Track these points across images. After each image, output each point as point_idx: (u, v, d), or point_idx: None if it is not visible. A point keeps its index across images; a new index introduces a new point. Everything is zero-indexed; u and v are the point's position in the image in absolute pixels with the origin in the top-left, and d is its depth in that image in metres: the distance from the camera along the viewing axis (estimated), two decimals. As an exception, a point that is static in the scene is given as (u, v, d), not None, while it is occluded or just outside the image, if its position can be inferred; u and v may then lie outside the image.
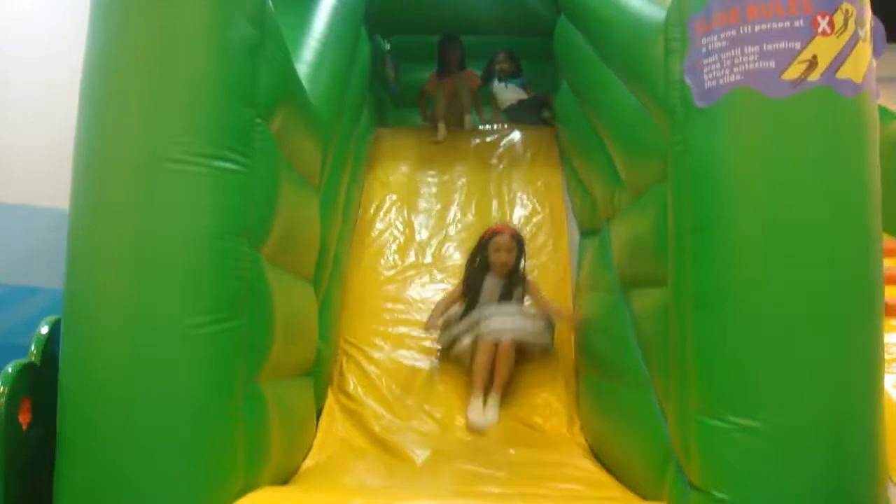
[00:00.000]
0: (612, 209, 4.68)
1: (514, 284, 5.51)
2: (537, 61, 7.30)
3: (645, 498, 3.55)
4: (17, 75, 5.16)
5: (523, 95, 7.19)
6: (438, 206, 6.43)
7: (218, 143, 3.07)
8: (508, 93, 7.22)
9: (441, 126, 6.91)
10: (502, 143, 6.97)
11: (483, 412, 5.01)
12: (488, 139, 7.05)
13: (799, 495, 2.79)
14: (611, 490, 3.92)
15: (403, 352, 5.47)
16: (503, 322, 5.25)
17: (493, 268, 5.49)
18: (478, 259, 5.60)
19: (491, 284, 5.49)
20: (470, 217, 6.34)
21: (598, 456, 4.60)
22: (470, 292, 5.51)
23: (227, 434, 3.10)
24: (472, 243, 6.02)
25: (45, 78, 5.14)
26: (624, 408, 4.10)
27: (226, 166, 3.08)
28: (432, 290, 5.83)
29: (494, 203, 6.45)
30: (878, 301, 2.89)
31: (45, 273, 4.58)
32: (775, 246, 2.81)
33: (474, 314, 5.38)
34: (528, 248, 5.88)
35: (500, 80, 7.29)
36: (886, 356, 3.00)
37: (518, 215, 6.36)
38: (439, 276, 5.93)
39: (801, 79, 2.81)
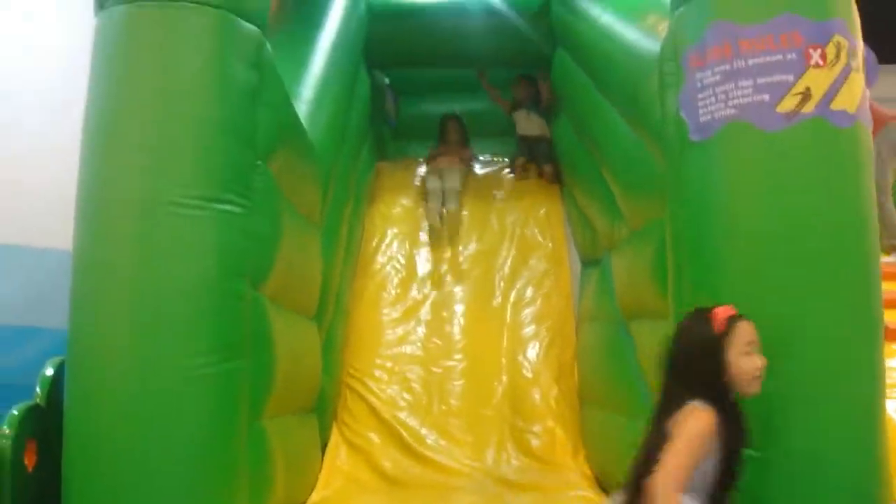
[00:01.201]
0: (612, 240, 4.69)
1: None
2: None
3: (651, 529, 3.54)
4: (24, 118, 5.17)
5: (546, 132, 7.02)
6: (440, 238, 6.43)
7: (218, 186, 3.10)
8: (530, 122, 7.07)
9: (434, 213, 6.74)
10: (503, 174, 6.98)
11: None
12: (489, 170, 7.06)
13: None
14: (617, 521, 3.92)
15: (407, 385, 5.46)
16: None
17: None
18: None
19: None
20: (472, 248, 6.34)
21: (603, 485, 4.60)
22: None
23: (231, 473, 3.11)
24: (474, 275, 6.06)
25: (51, 120, 5.15)
26: (626, 437, 4.09)
27: (226, 208, 3.11)
28: (434, 322, 5.83)
29: (496, 233, 6.44)
30: (878, 325, 2.91)
31: (49, 314, 4.58)
32: (774, 278, 2.83)
33: None
34: (532, 279, 5.91)
35: (522, 107, 7.12)
36: (888, 381, 3.01)
37: (519, 246, 6.36)
38: (441, 309, 5.92)
39: (796, 111, 2.84)
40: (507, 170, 7.01)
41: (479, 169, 7.09)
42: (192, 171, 3.05)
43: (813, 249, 2.83)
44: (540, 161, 6.83)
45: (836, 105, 2.86)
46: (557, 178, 6.67)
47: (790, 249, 2.82)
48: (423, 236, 6.43)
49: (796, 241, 2.82)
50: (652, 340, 3.62)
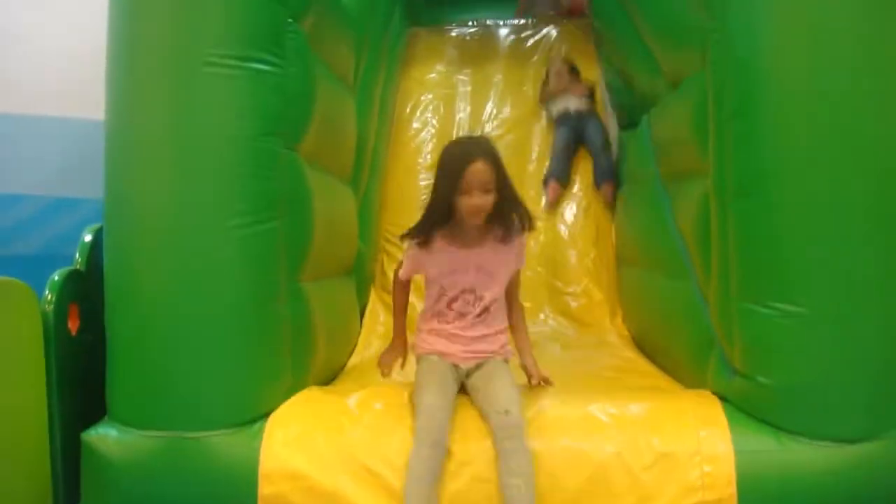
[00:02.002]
0: (651, 101, 4.61)
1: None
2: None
3: (688, 386, 3.57)
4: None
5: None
6: (475, 104, 6.36)
7: (251, 45, 3.05)
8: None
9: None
10: (537, 38, 6.85)
11: None
12: (523, 35, 6.94)
13: (842, 380, 2.80)
14: (654, 379, 3.95)
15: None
16: None
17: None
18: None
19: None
20: (506, 112, 6.27)
21: (641, 346, 4.62)
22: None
23: (273, 334, 3.14)
24: (509, 139, 6.01)
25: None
26: (666, 297, 4.11)
27: (258, 67, 3.06)
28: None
29: (531, 98, 6.36)
30: None
31: (87, 184, 4.60)
32: (821, 128, 2.77)
33: None
34: None
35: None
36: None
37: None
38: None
39: (845, -42, 2.74)
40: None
41: (512, 33, 6.96)
42: (224, 29, 2.99)
43: (861, 96, 2.75)
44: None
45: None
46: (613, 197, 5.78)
47: (837, 97, 2.75)
48: (459, 101, 6.37)
49: (843, 88, 2.75)
50: (691, 198, 3.60)
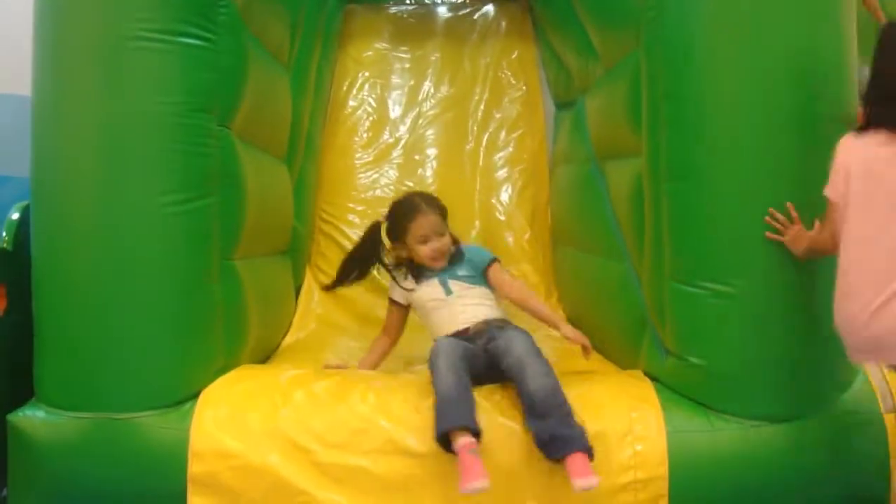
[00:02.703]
0: (587, 81, 4.62)
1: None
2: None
3: (621, 366, 3.60)
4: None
5: None
6: (412, 82, 6.32)
7: (180, 19, 3.00)
8: None
9: None
10: (475, 17, 6.84)
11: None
12: (461, 13, 6.92)
13: (774, 360, 2.85)
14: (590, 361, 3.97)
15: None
16: None
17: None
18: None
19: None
20: (444, 91, 6.25)
21: (575, 326, 4.64)
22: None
23: (205, 312, 3.12)
24: (446, 118, 5.99)
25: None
26: (600, 277, 4.13)
27: (189, 42, 3.02)
28: (406, 166, 5.80)
29: (468, 76, 6.36)
30: None
31: (15, 161, 4.51)
32: (748, 110, 2.81)
33: None
34: (505, 122, 5.89)
35: None
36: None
37: (493, 89, 6.28)
38: (413, 152, 5.89)
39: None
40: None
41: (450, 11, 6.94)
42: (151, 3, 2.94)
43: (786, 86, 2.80)
44: None
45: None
46: None
47: (764, 84, 2.79)
48: (395, 79, 6.34)
49: (771, 76, 2.79)
50: (625, 179, 3.62)
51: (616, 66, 3.84)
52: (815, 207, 2.72)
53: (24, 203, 3.28)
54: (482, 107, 6.14)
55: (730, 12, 2.83)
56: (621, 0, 3.53)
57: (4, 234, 3.29)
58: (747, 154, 2.80)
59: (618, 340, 3.77)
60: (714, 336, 2.89)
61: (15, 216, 3.33)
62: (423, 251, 3.50)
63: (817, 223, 2.69)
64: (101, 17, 2.93)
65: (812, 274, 2.82)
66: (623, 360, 3.62)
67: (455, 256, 3.57)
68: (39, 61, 3.04)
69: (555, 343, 4.11)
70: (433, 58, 6.42)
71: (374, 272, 3.94)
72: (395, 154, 5.85)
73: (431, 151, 5.86)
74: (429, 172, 5.75)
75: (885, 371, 3.05)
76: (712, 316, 2.86)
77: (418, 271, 3.56)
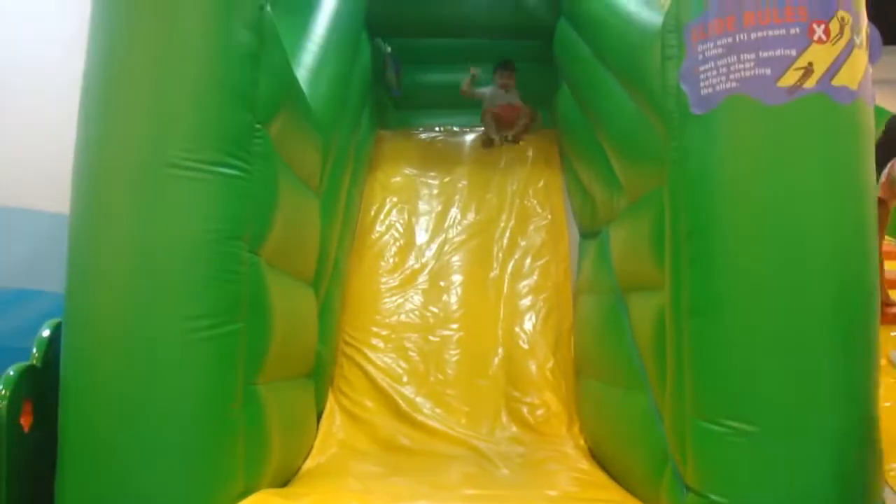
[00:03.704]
0: (611, 212, 4.69)
1: None
2: (537, 63, 7.30)
3: (642, 500, 3.57)
4: (19, 79, 5.17)
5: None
6: (439, 208, 6.42)
7: (218, 149, 3.09)
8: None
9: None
10: (503, 145, 6.98)
11: None
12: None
13: (796, 500, 2.81)
14: (609, 492, 3.94)
15: (404, 353, 5.48)
16: None
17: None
18: None
19: None
20: (470, 218, 6.34)
21: (597, 457, 4.62)
22: None
23: (227, 437, 3.12)
24: (472, 245, 6.07)
25: (47, 82, 5.14)
26: (621, 410, 4.12)
27: (225, 171, 3.10)
28: (432, 292, 5.85)
29: (494, 203, 6.45)
30: (875, 306, 2.91)
31: (47, 277, 4.58)
32: (773, 251, 2.83)
33: None
34: (530, 250, 5.96)
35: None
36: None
37: (518, 216, 6.37)
38: (438, 278, 5.94)
39: (797, 86, 2.83)
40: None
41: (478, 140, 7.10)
42: (191, 133, 3.03)
43: (812, 223, 2.82)
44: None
45: (838, 81, 2.85)
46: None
47: (788, 222, 2.82)
48: (423, 205, 6.44)
49: (795, 215, 2.82)
50: (647, 312, 3.64)
51: (640, 199, 3.90)
52: (841, 344, 2.75)
53: (56, 320, 3.32)
54: (507, 234, 6.24)
55: (752, 153, 2.88)
56: (646, 137, 3.61)
57: (35, 350, 3.33)
58: (770, 294, 2.81)
59: (639, 474, 3.74)
60: (736, 475, 2.85)
61: (46, 333, 3.37)
62: None
63: None
64: (143, 142, 3.01)
65: (835, 414, 2.81)
66: (644, 493, 3.59)
67: None
68: (79, 180, 3.11)
69: (576, 474, 4.10)
70: (460, 185, 6.55)
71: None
72: (420, 280, 5.91)
73: (457, 278, 5.91)
74: (453, 299, 5.79)
75: None
76: (734, 454, 2.83)
77: None
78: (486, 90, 7.11)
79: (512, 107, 7.04)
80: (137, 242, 2.98)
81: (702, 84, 2.98)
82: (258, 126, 3.36)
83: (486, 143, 7.08)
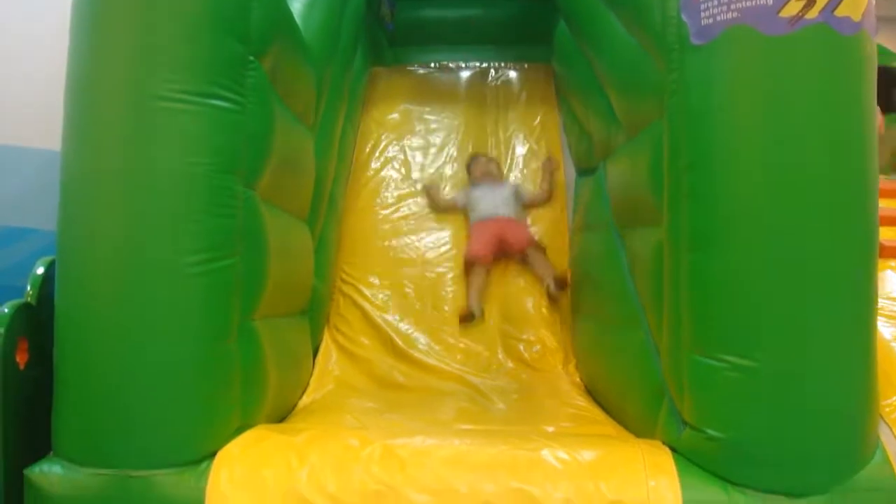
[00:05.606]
0: (608, 148, 4.65)
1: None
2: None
3: (638, 435, 3.58)
4: (6, 17, 5.10)
5: None
6: (435, 145, 6.39)
7: (210, 81, 3.04)
8: None
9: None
10: (498, 82, 6.91)
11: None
12: (485, 78, 6.99)
13: (793, 435, 2.81)
14: (605, 427, 3.96)
15: (400, 290, 5.48)
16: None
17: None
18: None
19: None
20: (466, 155, 6.31)
21: (593, 394, 4.64)
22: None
23: (223, 372, 3.12)
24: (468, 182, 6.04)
25: (35, 17, 5.08)
26: (618, 345, 4.12)
27: (218, 104, 3.05)
28: (428, 227, 5.83)
29: (491, 141, 6.41)
30: (873, 242, 2.89)
31: (39, 214, 4.56)
32: (771, 184, 2.80)
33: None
34: (525, 187, 5.93)
35: None
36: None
37: (515, 153, 6.34)
38: (435, 215, 5.92)
39: (799, 16, 2.78)
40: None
41: (474, 76, 7.02)
42: (183, 65, 2.97)
43: (811, 156, 2.79)
44: None
45: (841, 12, 2.80)
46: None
47: (787, 155, 2.78)
48: (419, 142, 6.40)
49: (794, 147, 2.78)
50: (645, 248, 3.62)
51: (638, 134, 3.86)
52: (844, 279, 2.74)
53: (50, 258, 3.30)
54: (504, 172, 6.20)
55: (752, 83, 2.84)
56: (645, 71, 3.56)
57: (29, 288, 3.32)
58: (770, 226, 2.79)
59: (635, 409, 3.75)
60: (732, 409, 2.85)
61: (40, 271, 3.35)
62: None
63: None
64: (132, 76, 2.95)
65: (833, 350, 2.81)
66: (640, 429, 3.60)
67: None
68: (69, 118, 3.06)
69: (572, 410, 4.12)
70: (456, 122, 6.50)
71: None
72: (417, 216, 5.89)
73: (453, 216, 5.88)
74: (450, 235, 5.79)
75: None
76: (731, 389, 2.83)
77: None
78: (457, 196, 6.04)
79: (511, 221, 5.77)
80: (129, 177, 2.94)
81: (702, 14, 2.94)
82: (251, 58, 3.30)
83: (465, 317, 5.42)
